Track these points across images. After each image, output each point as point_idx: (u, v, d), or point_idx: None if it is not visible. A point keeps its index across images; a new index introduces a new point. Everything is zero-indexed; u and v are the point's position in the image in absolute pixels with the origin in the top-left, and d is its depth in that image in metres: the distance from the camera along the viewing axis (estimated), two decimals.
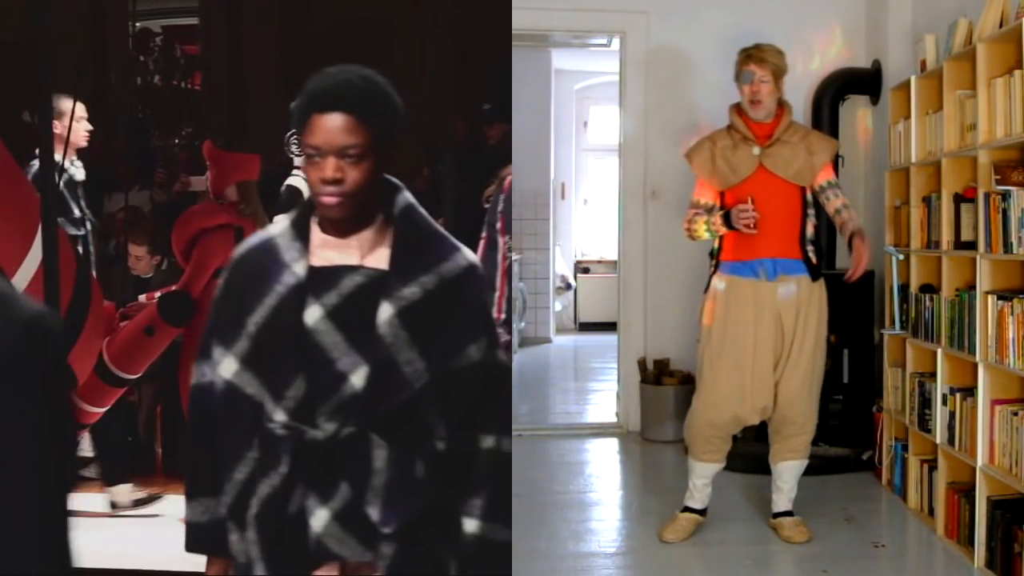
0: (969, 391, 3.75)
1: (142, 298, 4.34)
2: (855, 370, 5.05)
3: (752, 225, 3.69)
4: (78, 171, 4.44)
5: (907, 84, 4.46)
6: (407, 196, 1.89)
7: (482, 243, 3.06)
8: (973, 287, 3.70)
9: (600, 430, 6.04)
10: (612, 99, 6.63)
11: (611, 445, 5.74)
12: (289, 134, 4.04)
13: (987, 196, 3.57)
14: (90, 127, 4.42)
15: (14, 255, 3.35)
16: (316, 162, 1.78)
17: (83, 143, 4.42)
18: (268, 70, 5.04)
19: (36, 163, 4.37)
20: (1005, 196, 3.44)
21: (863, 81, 5.53)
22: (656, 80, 5.80)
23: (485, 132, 4.51)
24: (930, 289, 4.21)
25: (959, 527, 3.82)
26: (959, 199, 3.94)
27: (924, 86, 4.36)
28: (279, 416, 1.79)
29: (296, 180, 4.09)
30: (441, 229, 1.91)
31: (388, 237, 1.84)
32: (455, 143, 3.73)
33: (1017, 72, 3.45)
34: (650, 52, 5.79)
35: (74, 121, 4.35)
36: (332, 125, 1.76)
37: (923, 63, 4.51)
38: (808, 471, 4.05)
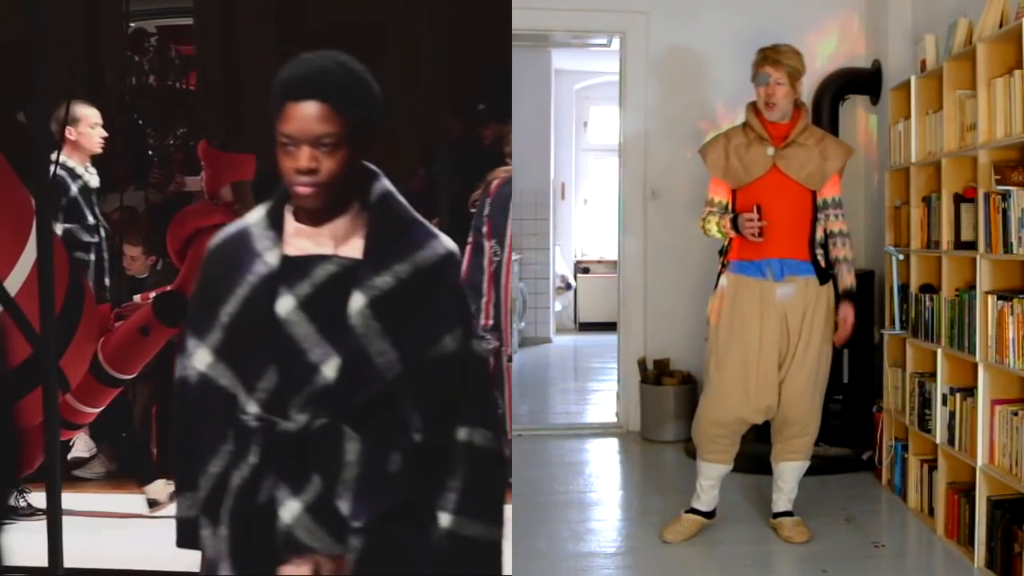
0: (969, 391, 3.75)
1: (137, 298, 4.34)
2: (855, 370, 5.05)
3: (757, 234, 3.69)
4: (92, 177, 4.45)
5: (907, 84, 4.46)
6: (384, 184, 1.85)
7: (468, 248, 3.05)
8: (973, 287, 3.69)
9: (600, 430, 6.04)
10: (612, 99, 6.63)
11: (611, 445, 5.74)
12: None
13: (987, 196, 3.57)
14: (105, 133, 4.43)
15: (7, 257, 3.34)
16: (290, 151, 1.75)
17: (97, 149, 4.43)
18: (263, 70, 5.03)
19: (51, 168, 4.39)
20: (1005, 196, 3.44)
21: (863, 81, 5.53)
22: (656, 80, 5.80)
23: (480, 132, 4.51)
24: (930, 289, 4.21)
25: (959, 527, 3.82)
26: (959, 199, 3.94)
27: (924, 86, 4.36)
28: (252, 408, 1.76)
29: None
30: (419, 217, 1.86)
31: (363, 226, 1.81)
32: (450, 143, 3.74)
33: (1017, 72, 3.45)
34: (650, 52, 5.79)
35: (88, 127, 4.36)
36: (306, 114, 1.73)
37: (923, 63, 4.51)
38: (808, 471, 4.05)
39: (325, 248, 1.80)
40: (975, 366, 3.66)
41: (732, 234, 3.80)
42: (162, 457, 4.47)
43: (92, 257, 4.47)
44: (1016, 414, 3.44)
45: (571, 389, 7.89)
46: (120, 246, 4.62)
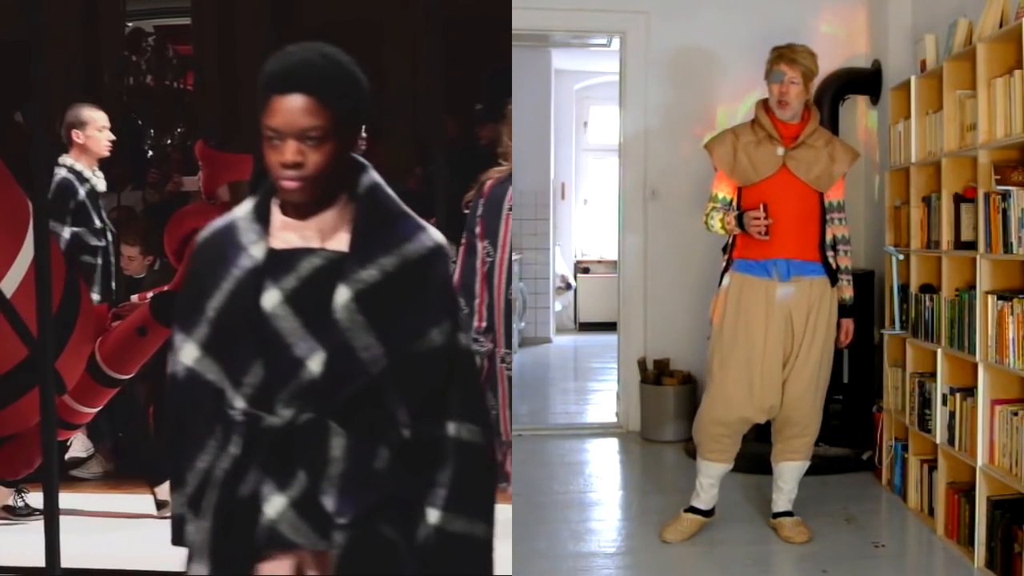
0: (969, 391, 3.75)
1: (134, 298, 4.34)
2: (855, 370, 5.05)
3: (764, 232, 3.69)
4: (100, 181, 4.46)
5: (907, 84, 4.46)
6: (372, 176, 1.83)
7: (461, 249, 3.05)
8: (973, 287, 3.69)
9: (600, 430, 6.04)
10: (612, 99, 6.62)
11: (611, 445, 5.74)
12: None
13: (987, 196, 3.57)
14: (112, 136, 4.44)
15: (2, 259, 3.34)
16: (275, 145, 1.73)
17: (105, 152, 4.44)
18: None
19: (60, 171, 4.40)
20: (1005, 196, 3.44)
21: (863, 81, 5.53)
22: (656, 80, 5.80)
23: (478, 132, 4.51)
24: (930, 289, 4.21)
25: (959, 527, 3.82)
26: (959, 199, 3.94)
27: (924, 86, 4.36)
28: (238, 403, 1.75)
29: None
30: (407, 210, 1.85)
31: (351, 218, 1.80)
32: (447, 143, 3.74)
33: (1017, 72, 3.45)
34: (650, 52, 5.78)
35: (96, 131, 4.37)
36: (291, 107, 1.71)
37: (923, 63, 4.51)
38: (808, 471, 4.04)
39: (311, 241, 1.79)
40: (975, 366, 3.66)
41: (736, 231, 3.79)
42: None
43: (99, 261, 4.47)
44: (1016, 414, 3.44)
45: (571, 389, 7.89)
46: (117, 246, 4.62)
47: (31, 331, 3.35)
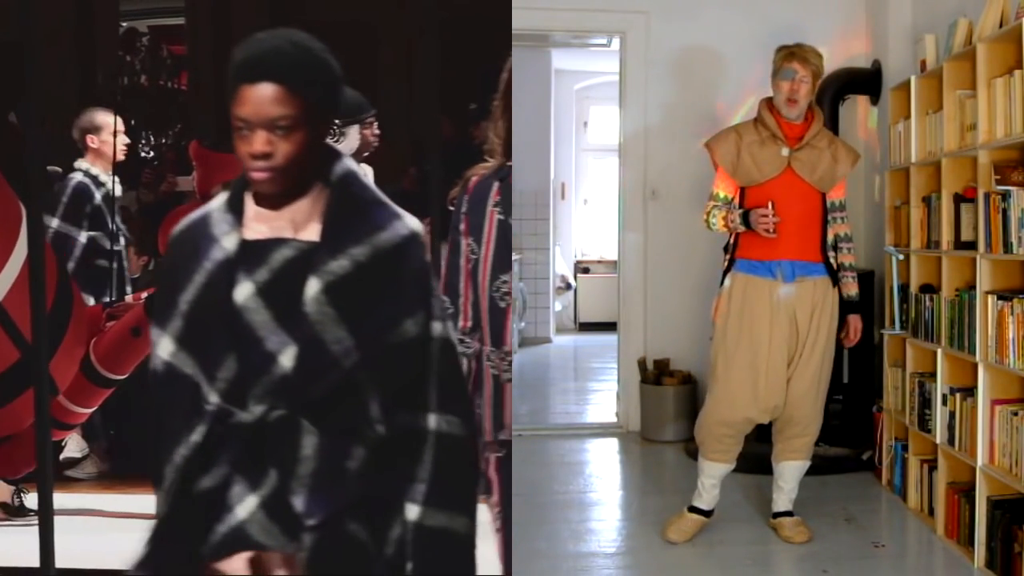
0: (969, 391, 3.75)
1: (129, 298, 4.35)
2: (855, 370, 5.04)
3: (772, 230, 3.68)
4: (116, 186, 4.46)
5: (907, 84, 4.46)
6: (346, 163, 1.79)
7: (447, 247, 3.05)
8: (973, 287, 3.69)
9: (600, 430, 6.04)
10: (612, 99, 6.62)
11: (611, 445, 5.73)
12: None
13: (987, 196, 3.57)
14: (128, 140, 4.44)
15: None
16: (244, 135, 1.69)
17: (121, 156, 4.44)
18: None
19: (76, 176, 4.40)
20: (1005, 196, 3.44)
21: (863, 81, 5.53)
22: (656, 80, 5.80)
23: (472, 132, 4.51)
24: (930, 289, 4.21)
25: (959, 527, 3.82)
26: (959, 199, 3.94)
27: (924, 86, 4.35)
28: (213, 398, 1.71)
29: None
30: (382, 197, 1.80)
31: (323, 208, 1.75)
32: (442, 143, 3.74)
33: (1017, 72, 3.45)
34: (650, 52, 5.78)
35: (109, 135, 4.38)
36: (259, 96, 1.68)
37: (923, 63, 4.51)
38: (808, 471, 4.04)
39: (284, 232, 1.75)
40: (975, 366, 3.66)
41: (741, 230, 3.78)
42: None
43: (114, 265, 4.48)
44: (1016, 414, 3.44)
45: (571, 389, 7.89)
46: (129, 249, 4.64)
47: (23, 334, 3.34)
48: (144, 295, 4.16)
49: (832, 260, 3.85)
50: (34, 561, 3.25)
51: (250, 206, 1.77)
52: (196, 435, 1.71)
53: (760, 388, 3.79)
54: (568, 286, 10.26)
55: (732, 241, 3.87)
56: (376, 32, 5.10)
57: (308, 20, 5.00)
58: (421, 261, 1.78)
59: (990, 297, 3.55)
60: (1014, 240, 3.38)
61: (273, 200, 1.75)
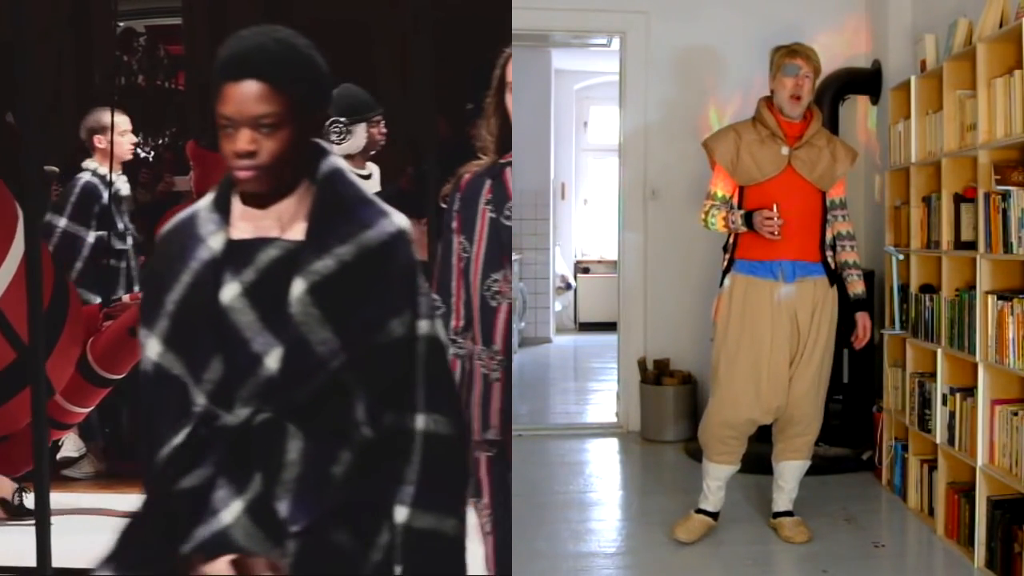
0: (969, 391, 3.75)
1: (126, 298, 4.35)
2: (855, 370, 5.05)
3: (776, 232, 3.67)
4: (124, 185, 4.47)
5: (907, 84, 4.46)
6: (333, 161, 1.77)
7: (440, 246, 3.04)
8: (973, 287, 3.69)
9: (600, 430, 6.04)
10: (612, 99, 6.63)
11: (611, 445, 5.74)
12: (328, 122, 4.04)
13: (987, 196, 3.57)
14: (135, 139, 4.45)
15: None
16: (229, 133, 1.68)
17: (128, 156, 4.45)
18: None
19: (84, 175, 4.40)
20: (1005, 196, 3.44)
21: (863, 81, 5.53)
22: (656, 80, 5.80)
23: (469, 132, 4.51)
24: (930, 289, 4.21)
25: (959, 527, 3.82)
26: (959, 199, 3.94)
27: (924, 86, 4.36)
28: (200, 399, 1.69)
29: None
30: (368, 195, 1.78)
31: (309, 207, 1.73)
32: (438, 143, 3.74)
33: (1017, 72, 3.45)
34: (650, 52, 5.79)
35: (118, 135, 4.38)
36: (243, 93, 1.66)
37: (923, 63, 4.51)
38: (808, 471, 4.04)
39: (270, 231, 1.73)
40: (975, 366, 3.66)
41: (742, 231, 3.77)
42: None
43: (123, 264, 4.48)
44: (1016, 414, 3.44)
45: (571, 389, 7.89)
46: (139, 249, 4.64)
47: (19, 334, 3.34)
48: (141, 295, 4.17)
49: (830, 260, 3.85)
50: (31, 561, 3.25)
51: (237, 205, 1.76)
52: (181, 437, 1.69)
53: (762, 389, 3.79)
54: (568, 286, 10.27)
55: (731, 241, 3.86)
56: (371, 31, 5.09)
57: (303, 19, 5.00)
58: (408, 259, 1.75)
59: (990, 297, 3.55)
60: (1014, 240, 3.38)
61: (259, 199, 1.74)
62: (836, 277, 3.86)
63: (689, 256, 5.64)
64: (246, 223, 1.74)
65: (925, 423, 4.15)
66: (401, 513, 1.71)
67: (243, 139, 1.68)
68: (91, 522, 4.07)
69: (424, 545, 1.71)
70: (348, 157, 4.05)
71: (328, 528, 1.68)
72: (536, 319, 9.69)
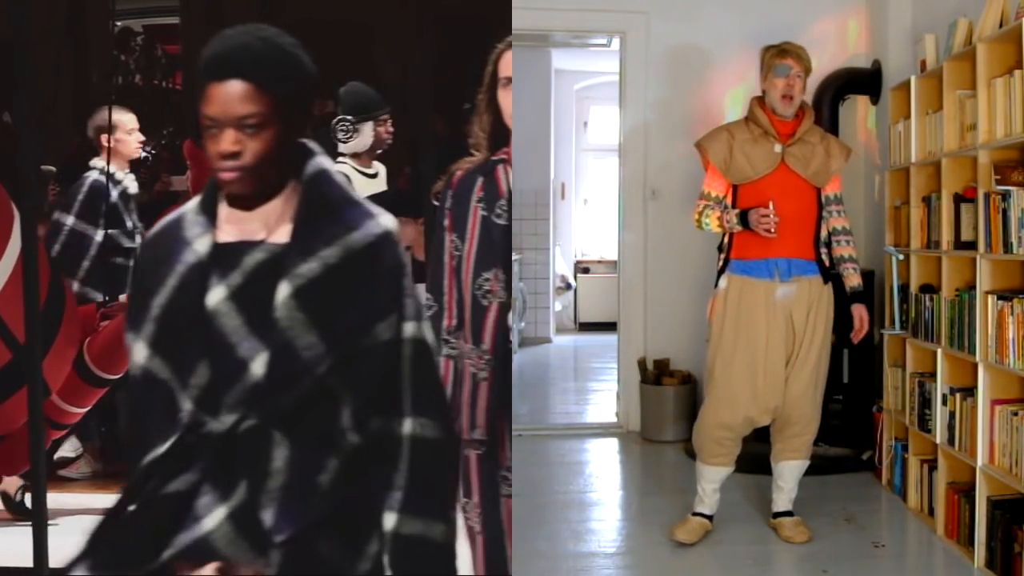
0: (969, 391, 3.75)
1: (122, 298, 4.35)
2: (855, 370, 5.05)
3: (772, 230, 3.67)
4: (132, 183, 4.47)
5: (907, 84, 4.46)
6: (320, 161, 1.74)
7: (432, 243, 3.03)
8: (973, 287, 3.69)
9: (600, 430, 6.04)
10: (612, 99, 6.63)
11: (611, 445, 5.74)
12: (335, 120, 4.04)
13: (987, 196, 3.57)
14: (143, 138, 4.45)
15: None
16: (214, 134, 1.66)
17: (136, 154, 4.46)
18: None
19: (92, 174, 4.41)
20: (1005, 196, 3.44)
21: (863, 81, 5.53)
22: (656, 80, 5.80)
23: (466, 132, 4.50)
24: (930, 289, 4.21)
25: (959, 527, 3.82)
26: (959, 199, 3.94)
27: (924, 86, 4.36)
28: (187, 405, 1.67)
29: (342, 166, 4.08)
30: (355, 196, 1.75)
31: (295, 209, 1.71)
32: (436, 143, 3.74)
33: (1017, 72, 3.45)
34: (650, 52, 5.79)
35: (125, 133, 4.38)
36: (227, 93, 1.64)
37: (923, 63, 4.51)
38: (809, 471, 4.04)
39: (256, 234, 1.70)
40: (975, 366, 3.66)
41: (737, 230, 3.77)
42: None
43: (131, 263, 4.49)
44: (1016, 414, 3.44)
45: (571, 389, 7.89)
46: None
47: (14, 335, 3.33)
48: None
49: (824, 257, 3.84)
50: (28, 561, 3.25)
51: (223, 208, 1.73)
52: (167, 445, 1.67)
53: (759, 389, 3.78)
54: (568, 286, 10.27)
55: (726, 241, 3.86)
56: (368, 31, 5.09)
57: (300, 19, 5.00)
58: (395, 260, 1.73)
59: (990, 297, 3.55)
60: (1014, 240, 3.38)
61: (245, 201, 1.71)
62: (830, 275, 3.85)
63: (689, 256, 5.64)
64: (232, 226, 1.72)
65: (925, 423, 4.15)
66: (389, 520, 1.69)
67: (227, 140, 1.65)
68: (88, 522, 4.07)
69: (412, 551, 1.69)
70: (355, 155, 4.06)
71: (314, 538, 1.65)
72: (536, 319, 9.69)
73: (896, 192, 4.66)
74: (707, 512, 3.96)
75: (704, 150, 3.89)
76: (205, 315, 1.67)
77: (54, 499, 3.47)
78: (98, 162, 4.44)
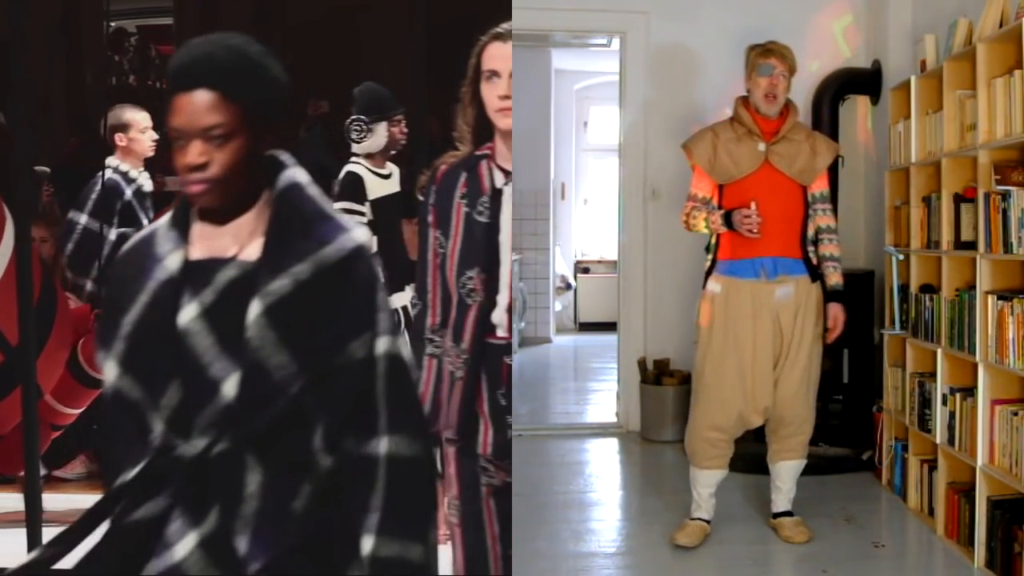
0: (969, 391, 3.75)
1: None
2: (855, 370, 5.05)
3: (755, 231, 3.67)
4: (147, 181, 4.47)
5: (907, 84, 4.46)
6: (292, 174, 1.69)
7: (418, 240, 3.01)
8: (973, 287, 3.69)
9: (600, 430, 6.04)
10: (612, 99, 6.63)
11: (611, 445, 5.73)
12: (349, 120, 4.04)
13: (987, 196, 3.57)
14: (156, 136, 4.46)
15: None
16: (180, 146, 1.61)
17: (150, 152, 4.47)
18: None
19: (106, 172, 4.41)
20: (1005, 196, 3.44)
21: (863, 81, 5.53)
22: (656, 80, 5.80)
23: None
24: (930, 289, 4.20)
25: (959, 527, 3.82)
26: (959, 199, 3.94)
27: (924, 86, 4.35)
28: (158, 426, 1.62)
29: (355, 167, 4.08)
30: (328, 210, 1.69)
31: (266, 224, 1.66)
32: (429, 143, 3.74)
33: (1017, 72, 3.45)
34: (650, 52, 5.79)
35: (139, 132, 4.38)
36: (192, 104, 1.59)
37: (923, 63, 4.51)
38: (808, 471, 4.04)
39: (227, 250, 1.66)
40: (975, 366, 3.66)
41: (723, 230, 3.77)
42: None
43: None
44: (1016, 414, 3.43)
45: (571, 389, 7.89)
46: None
47: (6, 337, 3.33)
48: None
49: (812, 255, 3.83)
50: (23, 561, 3.25)
51: (196, 223, 1.69)
52: (137, 468, 1.62)
53: (749, 389, 3.78)
54: (568, 286, 10.27)
55: (713, 241, 3.86)
56: (363, 30, 5.09)
57: (294, 19, 5.00)
58: (368, 275, 1.68)
59: (990, 297, 3.55)
60: (1014, 240, 3.38)
61: (217, 215, 1.67)
62: (819, 274, 3.85)
63: (689, 256, 5.62)
64: (204, 241, 1.67)
65: (925, 423, 4.15)
66: (367, 543, 1.64)
67: (193, 151, 1.60)
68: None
69: (390, 574, 1.64)
70: (368, 156, 4.06)
71: (290, 565, 1.61)
72: (536, 319, 9.69)
73: (896, 192, 4.66)
74: (705, 517, 3.94)
75: (689, 151, 3.90)
76: (176, 334, 1.62)
77: (48, 500, 3.47)
78: (112, 160, 4.45)
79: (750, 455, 4.32)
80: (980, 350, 3.61)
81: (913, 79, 4.41)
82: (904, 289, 4.42)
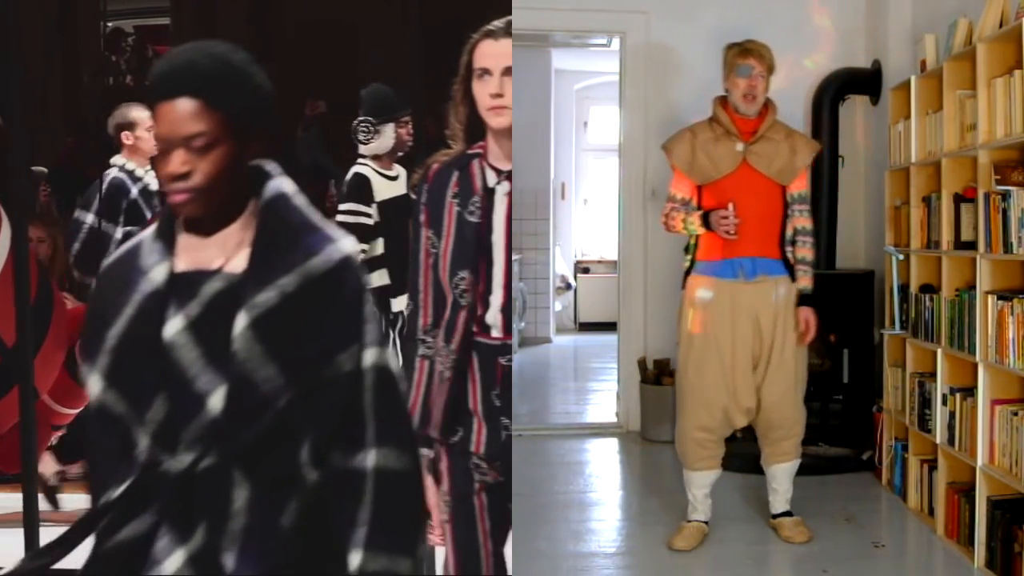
0: (969, 391, 3.75)
1: None
2: (855, 370, 5.04)
3: (732, 232, 3.66)
4: (153, 180, 4.48)
5: (907, 84, 4.46)
6: (278, 184, 1.66)
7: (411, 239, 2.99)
8: (973, 287, 3.69)
9: (600, 430, 6.04)
10: (612, 99, 6.63)
11: (611, 445, 5.73)
12: (357, 121, 4.03)
13: (987, 196, 3.57)
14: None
15: None
16: (164, 156, 1.59)
17: (155, 151, 4.46)
18: None
19: (112, 171, 4.41)
20: (1005, 196, 3.44)
21: (863, 81, 5.53)
22: (656, 80, 5.80)
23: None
24: (930, 289, 4.20)
25: (959, 527, 3.82)
26: (959, 199, 3.94)
27: (924, 86, 4.35)
28: (144, 441, 1.59)
29: (363, 168, 4.07)
30: (316, 220, 1.66)
31: (252, 235, 1.63)
32: (427, 143, 3.74)
33: (1017, 72, 3.45)
34: (650, 52, 5.79)
35: (145, 131, 4.38)
36: (174, 112, 1.57)
37: (923, 63, 4.51)
38: (808, 471, 4.04)
39: (213, 262, 1.63)
40: (975, 366, 3.66)
41: (701, 231, 3.76)
42: None
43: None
44: (1016, 414, 3.43)
45: (571, 389, 7.89)
46: None
47: (2, 338, 3.32)
48: None
49: (790, 255, 3.82)
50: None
51: (181, 235, 1.67)
52: (124, 484, 1.60)
53: (731, 389, 3.78)
54: (568, 286, 10.27)
55: (693, 242, 3.85)
56: (359, 32, 5.09)
57: (291, 19, 5.00)
58: (355, 286, 1.65)
59: (990, 297, 3.55)
60: (1014, 240, 3.38)
61: (202, 226, 1.64)
62: (794, 274, 3.83)
63: None
64: (189, 253, 1.65)
65: (925, 423, 4.15)
66: (355, 558, 1.61)
67: (175, 160, 1.58)
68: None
69: None
70: (376, 157, 4.05)
71: None
72: (536, 319, 9.69)
73: (896, 192, 4.66)
74: (702, 518, 3.94)
75: (668, 153, 3.89)
76: (162, 347, 1.60)
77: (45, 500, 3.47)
78: (118, 159, 4.45)
79: (749, 455, 4.32)
80: (980, 350, 3.60)
81: (913, 79, 4.41)
82: (904, 289, 4.42)
